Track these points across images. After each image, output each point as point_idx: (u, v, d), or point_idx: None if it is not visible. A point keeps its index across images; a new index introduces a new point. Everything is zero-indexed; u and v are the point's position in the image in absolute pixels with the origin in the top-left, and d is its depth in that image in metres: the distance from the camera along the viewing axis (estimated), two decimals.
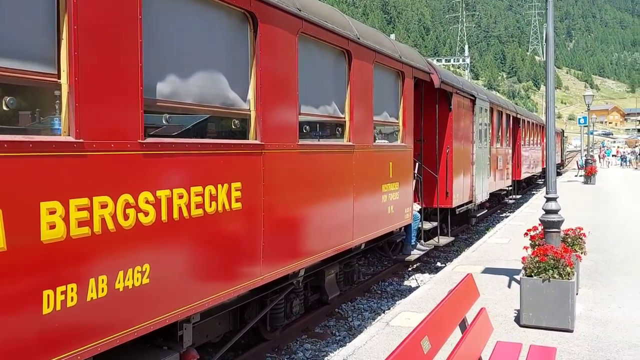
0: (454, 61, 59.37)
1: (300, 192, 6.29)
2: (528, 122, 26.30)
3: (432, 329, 3.77)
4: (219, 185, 4.95)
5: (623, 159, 57.88)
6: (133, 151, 4.12)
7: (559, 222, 8.09)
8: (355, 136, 7.78)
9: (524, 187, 29.57)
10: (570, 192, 27.01)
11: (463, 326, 4.49)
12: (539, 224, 8.36)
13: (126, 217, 4.01)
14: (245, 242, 5.33)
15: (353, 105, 7.73)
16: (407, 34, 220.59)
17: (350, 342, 7.65)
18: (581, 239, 8.76)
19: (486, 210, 16.81)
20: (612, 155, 64.98)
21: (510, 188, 22.74)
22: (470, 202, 14.89)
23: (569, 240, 8.71)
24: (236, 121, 5.47)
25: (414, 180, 12.61)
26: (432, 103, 12.53)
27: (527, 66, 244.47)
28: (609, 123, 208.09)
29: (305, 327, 8.63)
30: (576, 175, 37.69)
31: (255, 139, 5.56)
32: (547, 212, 8.15)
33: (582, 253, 8.81)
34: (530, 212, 19.42)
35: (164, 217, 4.36)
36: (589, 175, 31.53)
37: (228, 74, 5.31)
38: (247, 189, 5.31)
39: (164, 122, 4.59)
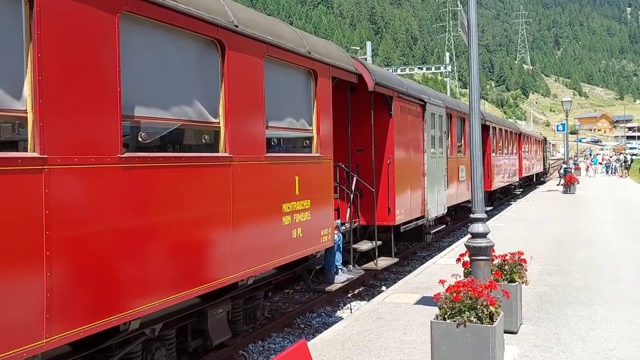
0: (435, 69, 57.96)
1: (123, 222, 4.78)
2: (500, 129, 24.90)
3: None
4: None
5: (608, 166, 56.41)
6: None
7: (487, 248, 6.65)
8: (234, 146, 6.30)
9: (500, 198, 28.14)
10: (547, 202, 25.66)
11: None
12: None
13: None
14: (7, 296, 3.82)
15: (230, 107, 6.25)
16: (394, 43, 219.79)
17: None
18: (521, 265, 7.30)
19: (444, 226, 15.33)
20: (599, 163, 63.60)
21: None
22: (423, 217, 13.42)
23: (507, 268, 7.25)
24: None
25: (352, 195, 11.21)
26: (369, 108, 11.10)
27: (515, 75, 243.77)
28: (598, 130, 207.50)
29: None
30: (558, 184, 36.32)
31: (34, 151, 4.07)
32: (474, 235, 6.70)
33: (523, 283, 7.38)
34: (497, 225, 18.01)
35: None
36: (568, 184, 30.16)
37: None
38: (10, 223, 3.82)
39: None
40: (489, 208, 23.48)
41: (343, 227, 10.38)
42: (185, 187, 5.53)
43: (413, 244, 16.42)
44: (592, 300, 8.72)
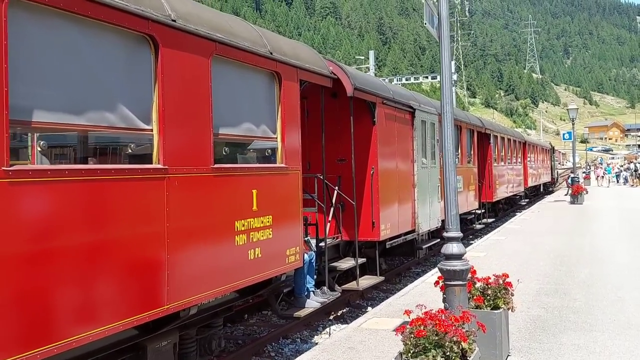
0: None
1: (12, 249, 3.99)
2: (502, 137, 23.99)
3: None
4: None
5: (618, 175, 55.00)
6: None
7: (463, 272, 5.80)
8: (170, 156, 5.50)
9: (504, 209, 27.19)
10: (552, 214, 24.71)
11: None
12: None
13: None
14: None
15: (165, 112, 5.45)
16: (402, 53, 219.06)
17: None
18: (506, 290, 6.44)
19: (438, 240, 14.45)
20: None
21: (480, 211, 20.41)
22: (413, 231, 12.57)
23: (490, 293, 6.40)
24: None
25: (332, 209, 10.43)
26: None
27: (524, 84, 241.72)
28: (609, 139, 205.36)
29: None
30: (565, 194, 35.31)
31: None
32: (447, 257, 5.86)
33: (508, 309, 6.52)
34: (497, 239, 17.16)
35: None
36: (576, 194, 29.20)
37: None
38: None
39: None
40: (491, 220, 22.61)
41: (322, 244, 9.56)
42: (102, 204, 4.72)
43: (408, 259, 15.56)
44: (591, 326, 7.84)
